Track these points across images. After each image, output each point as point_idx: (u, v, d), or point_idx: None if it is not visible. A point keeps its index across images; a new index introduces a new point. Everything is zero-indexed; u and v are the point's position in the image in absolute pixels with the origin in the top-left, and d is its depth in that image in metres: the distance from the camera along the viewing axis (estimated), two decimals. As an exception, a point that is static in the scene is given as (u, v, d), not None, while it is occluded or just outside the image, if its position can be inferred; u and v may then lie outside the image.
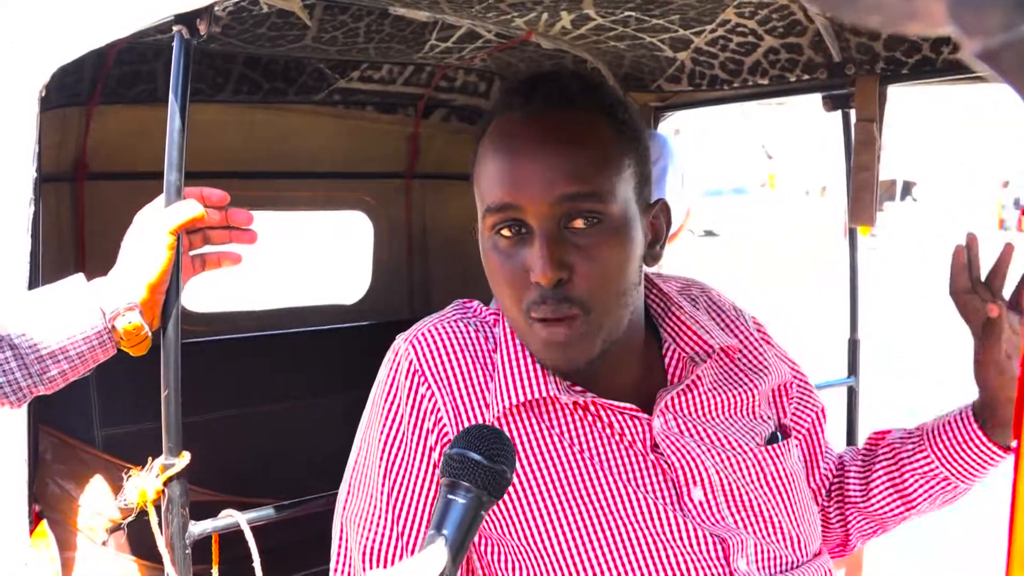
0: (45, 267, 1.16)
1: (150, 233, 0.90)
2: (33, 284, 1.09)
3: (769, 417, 0.96)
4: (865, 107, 1.39)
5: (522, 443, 0.84)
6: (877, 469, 1.05)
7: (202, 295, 2.19)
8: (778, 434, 0.96)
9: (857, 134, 1.41)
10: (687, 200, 2.02)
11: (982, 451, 0.99)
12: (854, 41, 1.39)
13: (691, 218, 2.16)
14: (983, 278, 1.01)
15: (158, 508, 0.93)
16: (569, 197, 0.79)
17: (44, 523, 1.24)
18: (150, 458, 0.93)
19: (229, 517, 0.99)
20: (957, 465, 1.00)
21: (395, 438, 0.84)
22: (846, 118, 1.54)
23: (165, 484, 0.91)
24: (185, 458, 0.91)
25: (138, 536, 1.39)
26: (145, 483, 0.90)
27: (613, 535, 0.81)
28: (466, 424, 0.84)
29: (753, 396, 0.94)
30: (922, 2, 0.18)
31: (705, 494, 0.86)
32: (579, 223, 0.80)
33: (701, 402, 0.91)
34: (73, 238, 1.58)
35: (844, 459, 1.10)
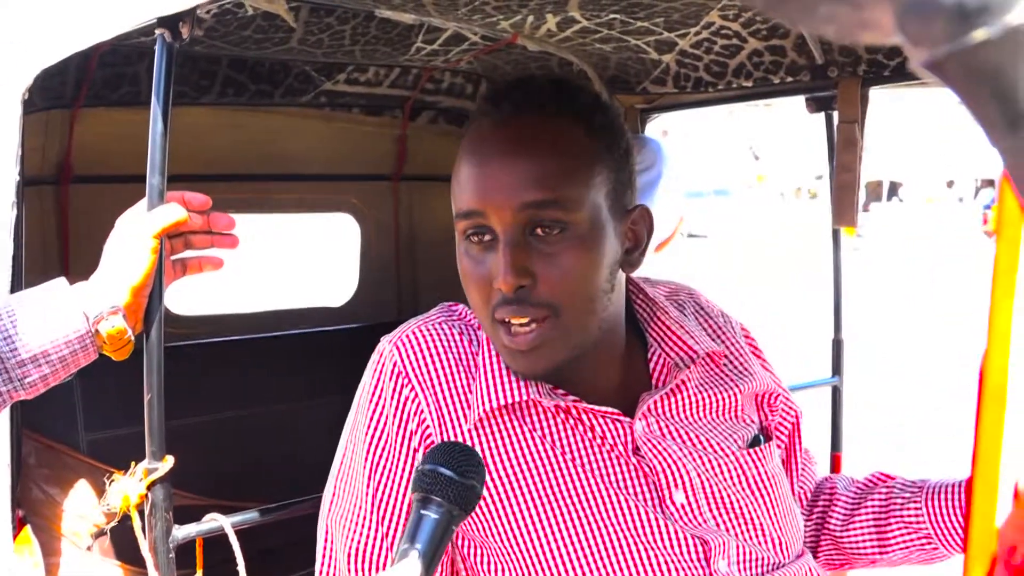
0: (29, 270, 1.16)
1: (133, 237, 0.90)
2: (15, 288, 1.08)
3: (752, 421, 0.97)
4: (847, 109, 1.41)
5: (503, 446, 0.84)
6: (866, 505, 1.05)
7: (188, 298, 2.18)
8: (760, 437, 0.96)
9: (839, 135, 1.42)
10: (680, 207, 2.02)
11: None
12: (836, 44, 1.40)
13: (683, 223, 2.16)
14: None
15: (141, 512, 0.92)
16: (532, 205, 0.79)
17: (28, 528, 1.23)
18: (133, 462, 0.93)
19: (213, 521, 0.99)
20: (944, 528, 0.98)
21: (380, 439, 0.85)
22: (829, 119, 1.56)
23: (148, 488, 0.90)
24: (168, 462, 0.91)
25: (123, 541, 1.38)
26: (128, 487, 0.90)
27: (594, 537, 0.82)
28: (449, 426, 0.84)
29: (736, 398, 0.95)
30: (872, 14, 0.19)
31: (687, 496, 0.86)
32: (543, 231, 0.80)
33: (684, 405, 0.91)
34: (57, 241, 1.57)
35: (836, 487, 1.10)
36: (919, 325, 8.32)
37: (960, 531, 0.97)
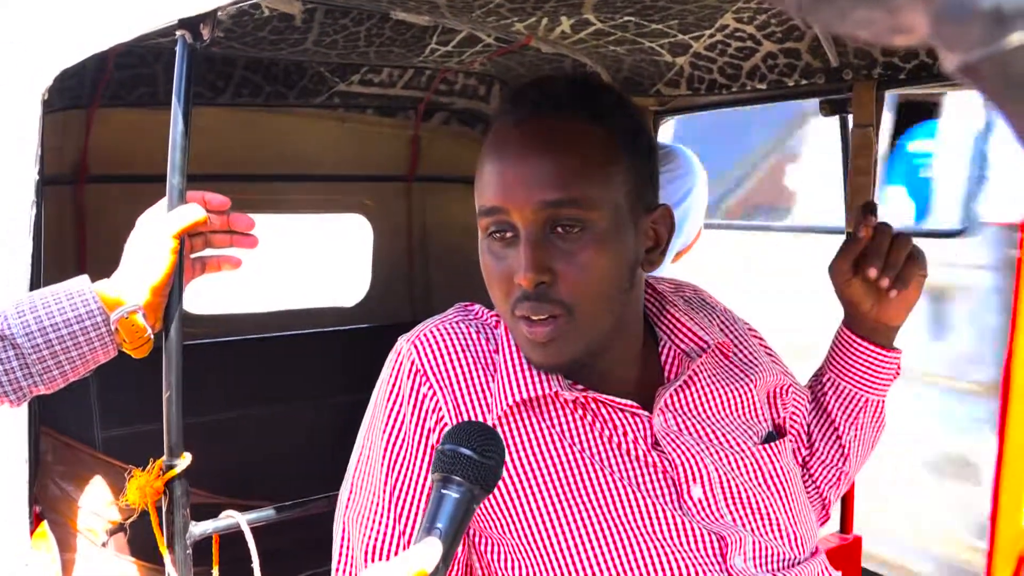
0: (45, 269, 1.17)
1: (154, 236, 0.91)
2: (35, 286, 1.09)
3: (765, 419, 0.98)
4: (862, 113, 1.40)
5: (523, 441, 0.85)
6: (811, 420, 1.13)
7: (203, 297, 2.19)
8: (774, 433, 0.97)
9: (854, 139, 1.42)
10: (702, 217, 2.02)
11: (860, 350, 1.09)
12: (852, 46, 1.40)
13: (701, 234, 2.17)
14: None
15: (159, 508, 0.93)
16: (551, 204, 0.81)
17: (45, 524, 1.25)
18: (151, 459, 0.93)
19: (230, 518, 1.00)
20: (854, 374, 1.10)
21: (398, 437, 0.85)
22: (843, 122, 1.55)
23: (166, 484, 0.91)
24: (186, 459, 0.92)
25: (138, 537, 1.39)
26: (146, 483, 0.91)
27: (611, 534, 0.82)
28: None
29: (750, 394, 0.96)
30: (907, 17, 0.19)
31: (704, 492, 0.87)
32: (562, 229, 0.81)
33: (699, 399, 0.92)
34: (74, 241, 1.59)
35: None
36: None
37: (862, 365, 1.10)
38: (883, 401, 1.12)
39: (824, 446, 1.11)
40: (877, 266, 1.02)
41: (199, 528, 0.96)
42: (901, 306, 1.06)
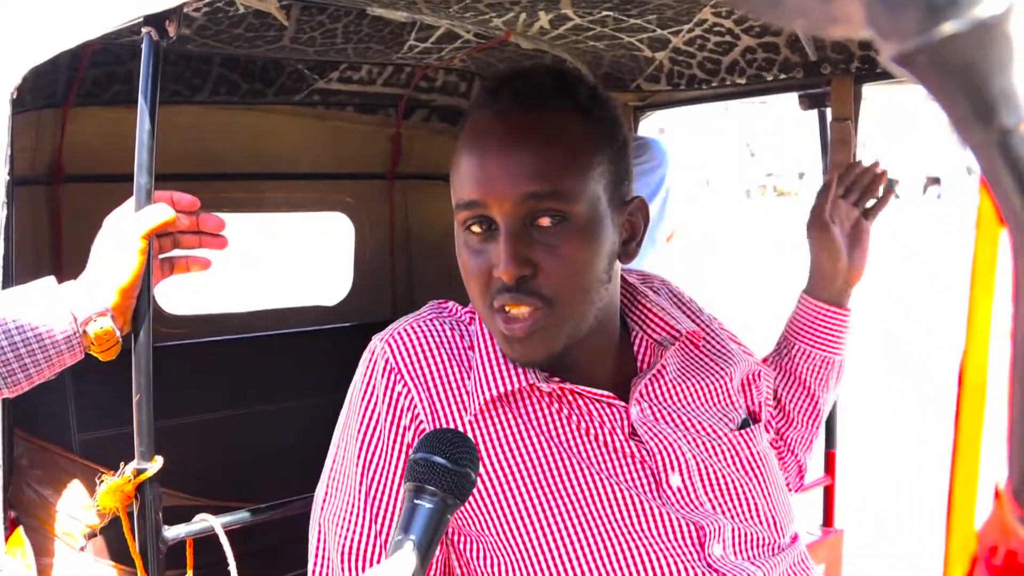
0: (21, 271, 1.15)
1: (121, 238, 0.90)
2: (6, 288, 1.07)
3: (740, 405, 0.98)
4: (840, 107, 1.40)
5: (500, 438, 0.84)
6: (776, 385, 1.19)
7: (182, 297, 2.18)
8: (749, 420, 0.98)
9: (833, 133, 1.42)
10: (680, 204, 2.04)
11: (827, 315, 1.18)
12: (830, 41, 1.40)
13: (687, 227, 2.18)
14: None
15: (130, 513, 0.92)
16: (532, 196, 0.80)
17: (20, 529, 1.23)
18: (122, 463, 0.92)
19: (203, 521, 0.99)
20: (819, 337, 1.18)
21: (372, 437, 0.84)
22: (822, 117, 1.55)
23: (137, 488, 0.90)
24: (157, 463, 0.91)
25: (116, 541, 1.38)
26: (117, 488, 0.90)
27: (590, 528, 0.82)
28: (444, 421, 0.84)
29: (724, 382, 0.96)
30: (841, 7, 0.19)
31: (683, 480, 0.87)
32: (544, 221, 0.81)
33: (674, 389, 0.92)
34: (49, 242, 1.57)
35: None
36: (914, 320, 8.33)
37: (825, 326, 1.18)
38: (843, 359, 1.20)
39: (799, 414, 1.16)
40: (857, 193, 1.20)
41: (172, 532, 0.95)
42: (862, 261, 1.19)
